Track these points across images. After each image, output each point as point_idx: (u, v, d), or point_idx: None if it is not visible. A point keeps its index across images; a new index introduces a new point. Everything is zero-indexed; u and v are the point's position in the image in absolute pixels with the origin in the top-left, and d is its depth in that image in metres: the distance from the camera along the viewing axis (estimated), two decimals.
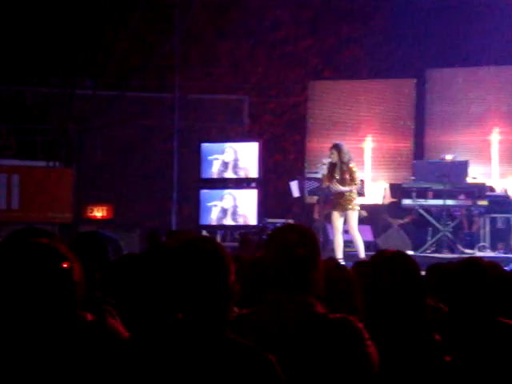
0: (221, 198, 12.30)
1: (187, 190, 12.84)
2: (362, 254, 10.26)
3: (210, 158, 12.46)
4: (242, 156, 12.26)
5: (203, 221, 12.41)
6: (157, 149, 13.59)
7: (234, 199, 12.21)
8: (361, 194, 11.80)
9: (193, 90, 13.65)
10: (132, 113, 13.69)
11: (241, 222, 12.22)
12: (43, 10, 13.03)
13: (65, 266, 2.35)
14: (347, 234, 10.70)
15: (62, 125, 13.09)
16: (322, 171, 10.45)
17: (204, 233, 11.76)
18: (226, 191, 12.31)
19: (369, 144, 14.09)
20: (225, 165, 12.38)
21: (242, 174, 12.31)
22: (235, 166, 12.31)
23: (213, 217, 12.34)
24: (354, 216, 10.26)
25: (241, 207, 12.21)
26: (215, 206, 12.33)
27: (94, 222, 12.69)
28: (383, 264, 2.98)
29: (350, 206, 10.21)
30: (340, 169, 10.27)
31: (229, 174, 12.36)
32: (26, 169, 12.58)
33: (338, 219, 10.27)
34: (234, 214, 12.23)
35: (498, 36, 12.67)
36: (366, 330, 2.75)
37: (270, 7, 13.52)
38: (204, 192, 12.46)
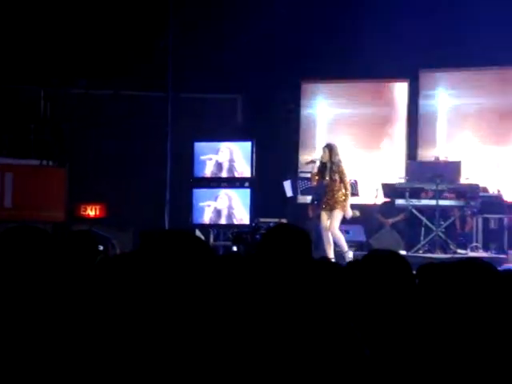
0: (215, 198, 12.31)
1: (180, 189, 12.84)
2: (345, 248, 10.35)
3: (203, 157, 12.47)
4: (235, 155, 12.28)
5: (196, 220, 12.42)
6: (150, 148, 13.58)
7: (230, 199, 12.23)
8: (354, 194, 11.83)
9: (186, 88, 13.64)
10: (125, 112, 13.68)
11: (234, 221, 12.24)
12: (36, 9, 13.02)
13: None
14: (347, 234, 10.76)
15: (55, 124, 13.08)
16: (312, 169, 10.50)
17: (197, 232, 11.76)
18: (222, 190, 12.33)
19: (362, 143, 14.11)
20: (219, 164, 12.39)
21: (235, 174, 12.33)
22: (229, 166, 12.33)
23: (206, 216, 12.36)
24: (338, 215, 10.30)
25: (235, 206, 12.22)
26: (209, 205, 12.35)
27: (87, 221, 12.68)
28: (376, 264, 2.99)
29: (338, 206, 10.26)
30: (330, 169, 10.31)
31: (222, 173, 12.37)
32: (19, 167, 12.56)
33: (325, 219, 10.34)
34: (229, 213, 12.25)
35: (492, 37, 12.68)
36: (358, 331, 2.76)
37: (264, 6, 13.52)
38: (197, 191, 12.47)
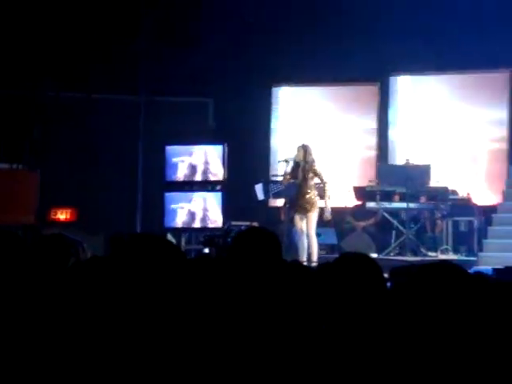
0: (187, 201, 12.30)
1: (152, 193, 12.81)
2: (315, 255, 10.34)
3: (174, 160, 12.46)
4: (208, 158, 12.29)
5: (168, 223, 12.41)
6: (122, 151, 13.53)
7: (201, 202, 12.23)
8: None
9: (158, 92, 13.61)
10: (97, 115, 13.62)
11: (206, 224, 12.24)
12: (6, 12, 12.92)
13: None
14: (319, 237, 10.77)
15: (26, 127, 12.99)
16: (285, 168, 10.50)
17: (168, 236, 11.75)
18: (193, 194, 12.33)
19: (333, 147, 14.16)
20: (191, 167, 12.39)
21: (207, 177, 12.34)
22: (201, 169, 12.33)
23: (178, 219, 12.34)
24: (314, 217, 10.33)
25: (207, 210, 12.23)
26: (181, 208, 12.34)
27: (58, 225, 12.61)
28: (347, 267, 3.01)
29: (312, 208, 10.28)
30: (303, 169, 10.34)
31: (194, 177, 12.37)
32: None
33: (300, 222, 10.34)
34: (201, 216, 12.25)
35: (463, 42, 12.79)
36: (328, 333, 2.78)
37: (236, 10, 13.54)
38: (169, 195, 12.46)
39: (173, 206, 12.39)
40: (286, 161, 10.41)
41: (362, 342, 2.87)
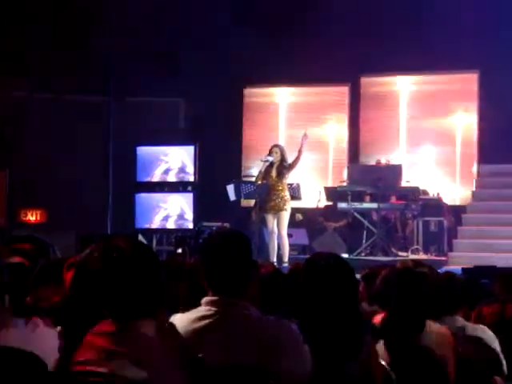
0: (160, 202, 12.28)
1: (123, 194, 12.76)
2: (287, 256, 10.35)
3: (145, 161, 12.43)
4: (179, 159, 12.27)
5: (139, 224, 12.37)
6: (92, 152, 13.47)
7: (173, 203, 12.21)
8: (297, 197, 11.89)
9: (129, 92, 13.56)
10: (67, 116, 13.55)
11: (177, 225, 12.22)
12: None
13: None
14: (290, 238, 10.77)
15: None
16: (261, 168, 10.50)
17: (140, 237, 11.71)
18: (165, 195, 12.30)
19: (304, 147, 14.17)
20: (161, 168, 12.36)
21: (177, 178, 12.32)
22: (172, 170, 12.31)
23: (149, 220, 12.32)
24: (286, 216, 10.35)
25: (178, 211, 12.21)
26: (152, 209, 12.31)
27: (28, 226, 12.52)
28: (318, 267, 3.02)
29: (285, 207, 10.29)
30: (277, 168, 10.35)
31: (165, 178, 12.34)
32: None
33: (272, 222, 10.35)
34: (172, 217, 12.23)
35: (434, 43, 12.88)
36: (301, 332, 2.79)
37: (208, 9, 13.54)
38: (140, 195, 12.43)
39: (144, 206, 12.36)
40: (267, 160, 10.39)
41: (334, 340, 2.88)
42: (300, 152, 10.47)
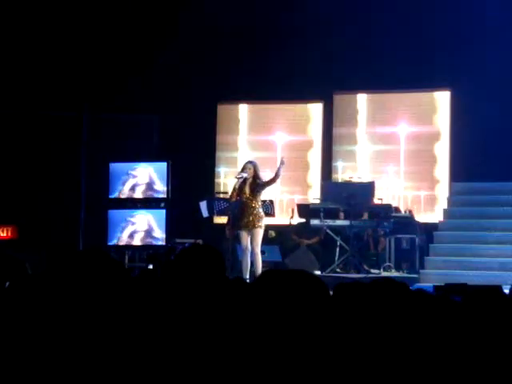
0: (131, 219, 12.22)
1: (95, 210, 12.69)
2: (260, 273, 10.32)
3: (118, 177, 12.38)
4: (152, 176, 12.23)
5: (111, 241, 12.31)
6: (65, 169, 13.40)
7: (145, 220, 12.16)
8: (270, 214, 11.90)
9: (102, 109, 13.52)
10: (39, 132, 13.49)
11: (150, 242, 12.16)
12: None
13: None
14: (263, 255, 10.74)
15: None
16: (235, 184, 10.48)
17: (112, 253, 11.65)
18: (138, 211, 12.25)
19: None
20: (134, 184, 12.32)
21: (150, 194, 12.28)
22: (145, 186, 12.27)
23: (122, 237, 12.25)
24: (260, 233, 10.33)
25: (150, 227, 12.16)
26: (125, 225, 12.25)
27: None
28: (290, 284, 3.01)
29: (259, 224, 10.27)
30: (250, 185, 10.34)
31: (138, 194, 12.30)
32: None
33: (245, 238, 10.32)
34: (144, 234, 12.17)
35: (406, 60, 12.99)
36: (273, 350, 2.77)
37: (181, 26, 13.56)
38: (112, 212, 12.36)
39: (116, 223, 12.29)
40: (241, 177, 10.36)
41: (306, 359, 2.87)
42: (276, 176, 10.47)
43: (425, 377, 2.85)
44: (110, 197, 12.39)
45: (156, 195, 12.24)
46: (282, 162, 10.59)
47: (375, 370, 2.86)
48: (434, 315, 3.19)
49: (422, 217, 13.13)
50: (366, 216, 12.44)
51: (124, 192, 12.34)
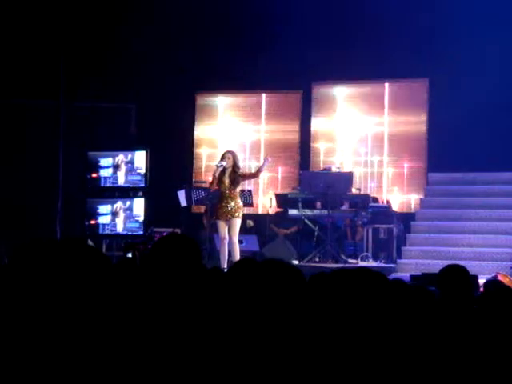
0: (110, 207, 12.20)
1: (73, 199, 12.64)
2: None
3: (96, 166, 12.35)
4: (129, 164, 12.21)
5: (89, 230, 12.29)
6: (42, 157, 13.33)
7: (123, 208, 12.15)
8: (249, 204, 11.91)
9: (79, 97, 13.46)
10: (16, 120, 13.41)
11: (128, 230, 12.16)
12: None
13: None
14: (241, 244, 10.76)
15: None
16: (215, 173, 10.49)
17: (89, 242, 11.62)
18: (116, 200, 12.22)
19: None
20: (112, 173, 12.29)
21: (128, 183, 12.26)
22: (123, 175, 12.24)
23: (100, 226, 12.23)
24: (238, 223, 10.35)
25: (128, 216, 12.15)
26: (103, 214, 12.23)
27: None
28: (269, 273, 3.02)
29: (236, 214, 10.28)
30: (230, 174, 10.35)
31: (116, 183, 12.27)
32: None
33: (223, 228, 10.33)
34: (122, 222, 12.16)
35: (384, 51, 13.02)
36: (251, 340, 2.79)
37: (160, 14, 13.52)
38: (90, 201, 12.34)
39: (94, 212, 12.27)
40: (221, 165, 10.36)
41: (282, 349, 2.89)
42: (259, 172, 10.78)
43: (400, 364, 2.88)
44: (89, 186, 12.36)
45: (135, 184, 12.22)
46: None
47: (351, 359, 2.88)
48: (410, 305, 3.22)
49: (399, 206, 13.25)
50: (344, 206, 12.47)
51: (103, 181, 12.31)
